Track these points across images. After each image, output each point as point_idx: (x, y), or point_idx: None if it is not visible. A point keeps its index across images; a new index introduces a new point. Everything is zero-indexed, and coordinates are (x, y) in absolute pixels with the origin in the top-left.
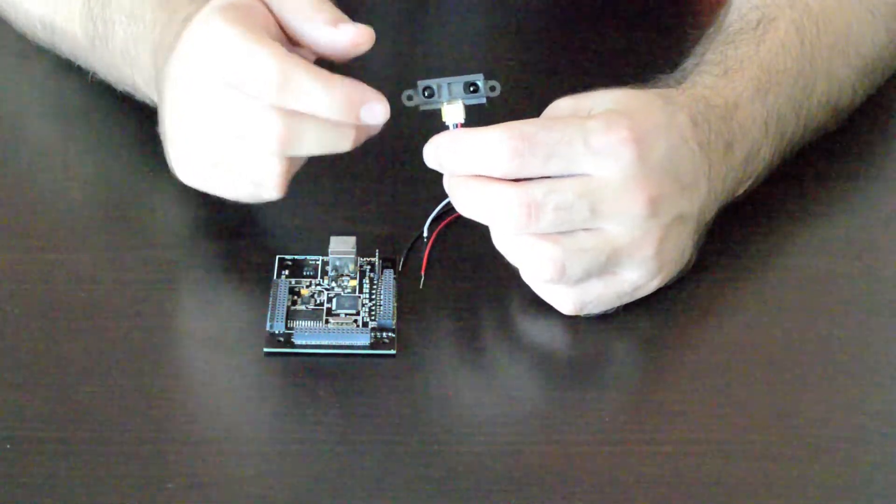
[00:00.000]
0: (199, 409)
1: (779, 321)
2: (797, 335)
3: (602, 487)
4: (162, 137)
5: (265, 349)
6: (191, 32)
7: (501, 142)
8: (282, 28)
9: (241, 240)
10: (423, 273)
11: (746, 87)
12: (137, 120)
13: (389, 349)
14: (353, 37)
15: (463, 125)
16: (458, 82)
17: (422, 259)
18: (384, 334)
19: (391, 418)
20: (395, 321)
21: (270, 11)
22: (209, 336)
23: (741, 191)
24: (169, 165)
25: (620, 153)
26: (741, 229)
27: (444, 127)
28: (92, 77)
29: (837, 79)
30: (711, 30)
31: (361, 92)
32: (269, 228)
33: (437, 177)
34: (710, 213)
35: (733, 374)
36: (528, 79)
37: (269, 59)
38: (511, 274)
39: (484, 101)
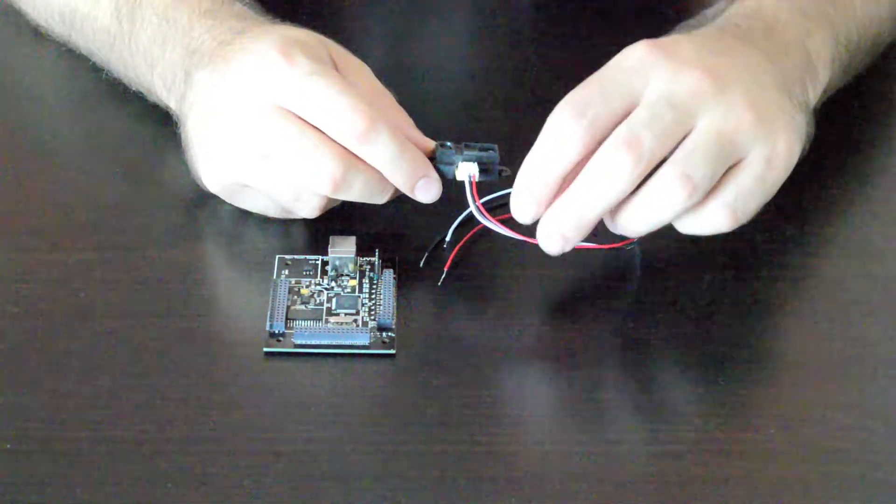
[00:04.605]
0: (199, 408)
1: (778, 321)
2: (797, 335)
3: (602, 487)
4: (185, 144)
5: (265, 349)
6: (257, 54)
7: (565, 116)
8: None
9: (241, 240)
10: (445, 269)
11: (780, 9)
12: (138, 120)
13: (389, 349)
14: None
15: (477, 180)
16: (472, 146)
17: (429, 260)
18: (384, 334)
19: (391, 418)
20: (394, 321)
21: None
22: (209, 336)
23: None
24: (193, 173)
25: (647, 53)
26: (741, 229)
27: (457, 184)
28: (106, 75)
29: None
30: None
31: (424, 165)
32: (269, 228)
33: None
34: (793, 78)
35: (733, 374)
36: (524, 79)
37: (362, 106)
38: (511, 273)
39: (496, 158)
